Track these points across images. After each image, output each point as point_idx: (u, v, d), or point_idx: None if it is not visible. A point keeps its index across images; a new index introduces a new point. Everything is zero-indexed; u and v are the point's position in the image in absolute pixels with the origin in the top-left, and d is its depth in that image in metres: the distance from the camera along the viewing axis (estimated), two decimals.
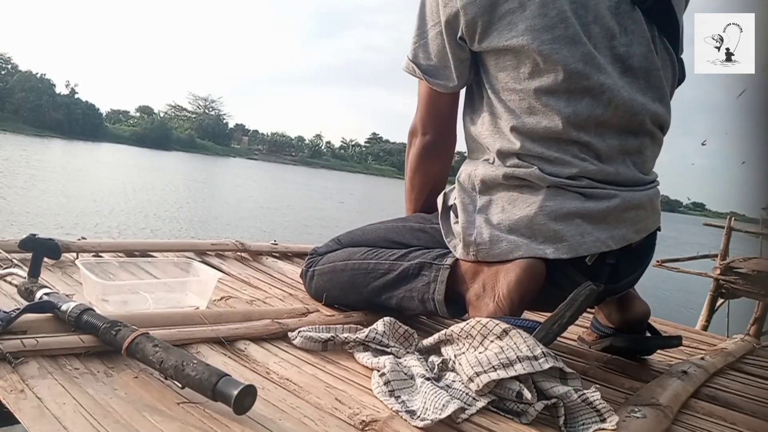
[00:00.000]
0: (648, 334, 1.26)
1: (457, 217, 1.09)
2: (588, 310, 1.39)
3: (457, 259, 1.09)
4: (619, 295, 1.20)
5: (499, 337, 0.87)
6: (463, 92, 1.16)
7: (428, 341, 0.99)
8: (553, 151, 1.02)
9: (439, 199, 1.18)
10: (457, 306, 1.11)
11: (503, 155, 1.06)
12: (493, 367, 0.83)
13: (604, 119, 1.02)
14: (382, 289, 1.17)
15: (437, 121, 1.19)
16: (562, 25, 0.97)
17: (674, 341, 1.16)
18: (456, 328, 0.93)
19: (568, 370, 0.85)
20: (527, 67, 1.00)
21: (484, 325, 0.90)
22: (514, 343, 0.85)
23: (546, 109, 1.00)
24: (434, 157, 1.25)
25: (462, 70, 1.09)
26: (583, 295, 0.93)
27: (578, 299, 0.92)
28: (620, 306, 1.23)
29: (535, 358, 0.83)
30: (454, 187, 1.13)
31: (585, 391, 0.83)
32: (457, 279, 1.08)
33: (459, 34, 1.04)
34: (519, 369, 0.81)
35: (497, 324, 0.89)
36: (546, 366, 0.82)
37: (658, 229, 1.15)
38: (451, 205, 1.12)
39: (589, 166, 1.02)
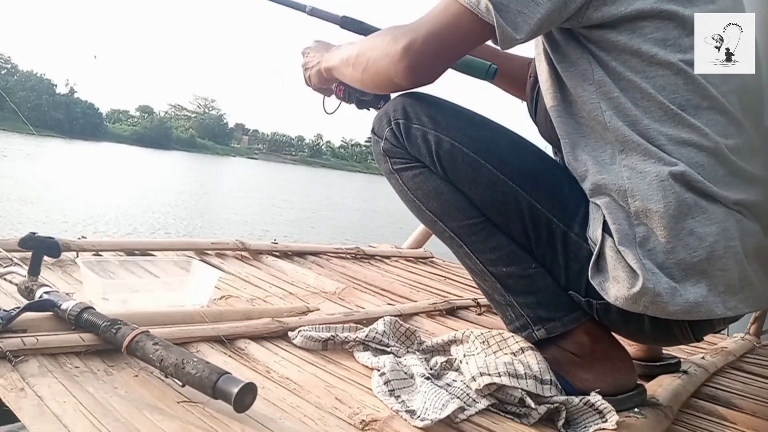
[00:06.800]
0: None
1: (610, 240, 0.80)
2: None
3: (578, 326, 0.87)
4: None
5: (514, 354, 0.88)
6: (546, 76, 0.88)
7: (436, 341, 1.00)
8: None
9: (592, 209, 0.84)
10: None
11: (652, 151, 0.78)
12: (499, 373, 0.83)
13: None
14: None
15: (442, 62, 0.87)
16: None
17: (673, 367, 1.16)
18: (476, 331, 0.93)
19: (568, 404, 0.83)
20: (682, 33, 0.78)
21: (504, 339, 0.90)
22: (527, 360, 0.86)
23: (707, 84, 0.78)
24: (390, 88, 0.93)
25: (541, 28, 0.80)
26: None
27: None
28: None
29: (542, 381, 0.83)
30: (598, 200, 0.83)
31: (586, 396, 0.83)
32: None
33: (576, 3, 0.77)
34: (523, 384, 0.82)
35: (517, 342, 0.89)
36: (547, 394, 0.83)
37: None
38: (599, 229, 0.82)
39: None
